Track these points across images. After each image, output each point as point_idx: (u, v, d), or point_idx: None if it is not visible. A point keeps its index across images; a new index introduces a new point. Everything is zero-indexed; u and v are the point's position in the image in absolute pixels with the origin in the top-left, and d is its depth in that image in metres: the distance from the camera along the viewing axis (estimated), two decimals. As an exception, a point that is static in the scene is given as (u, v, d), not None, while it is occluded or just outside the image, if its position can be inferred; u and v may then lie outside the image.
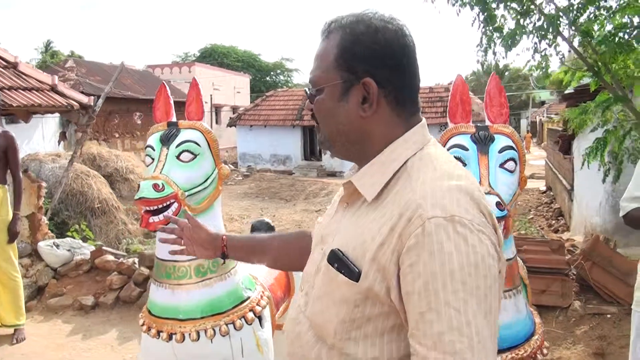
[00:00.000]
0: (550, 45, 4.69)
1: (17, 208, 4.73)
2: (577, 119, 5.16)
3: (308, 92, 1.23)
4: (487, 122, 2.23)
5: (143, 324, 2.35)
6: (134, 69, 25.47)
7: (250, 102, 30.78)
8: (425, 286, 1.00)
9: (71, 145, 15.17)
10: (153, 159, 2.28)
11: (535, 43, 4.73)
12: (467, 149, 2.09)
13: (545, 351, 2.15)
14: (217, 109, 27.69)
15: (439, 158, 1.16)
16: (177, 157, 2.25)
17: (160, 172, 2.18)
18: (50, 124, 14.12)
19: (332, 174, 23.12)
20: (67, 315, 5.38)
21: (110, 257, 5.82)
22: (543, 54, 4.76)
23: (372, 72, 1.15)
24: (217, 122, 27.29)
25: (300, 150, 24.86)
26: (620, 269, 4.46)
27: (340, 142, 1.21)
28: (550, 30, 4.55)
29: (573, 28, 4.61)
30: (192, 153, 2.28)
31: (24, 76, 6.23)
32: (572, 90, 6.89)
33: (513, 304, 2.09)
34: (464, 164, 2.05)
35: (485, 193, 1.91)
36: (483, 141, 2.10)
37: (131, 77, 22.04)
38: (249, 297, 2.42)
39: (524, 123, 46.64)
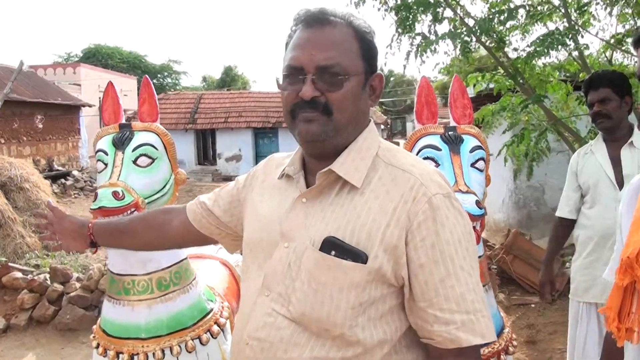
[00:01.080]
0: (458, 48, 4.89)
1: None
2: (487, 119, 5.40)
3: (322, 77, 1.18)
4: (452, 123, 2.25)
5: (98, 346, 2.15)
6: (14, 68, 23.75)
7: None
8: (442, 254, 1.12)
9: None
10: (107, 164, 2.09)
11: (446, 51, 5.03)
12: (439, 149, 2.10)
13: (514, 343, 2.20)
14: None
15: (399, 149, 1.30)
16: (134, 161, 2.08)
17: (118, 179, 2.01)
18: None
19: (228, 179, 22.79)
20: (-27, 340, 4.87)
21: (19, 274, 5.36)
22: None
23: (376, 67, 1.28)
24: (101, 126, 25.97)
25: (194, 155, 24.34)
26: (540, 260, 4.70)
27: (347, 130, 1.23)
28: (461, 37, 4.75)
29: (487, 36, 4.82)
30: (149, 157, 2.11)
31: None
32: (475, 95, 7.22)
33: (486, 300, 2.12)
34: (437, 164, 2.05)
35: (464, 192, 1.93)
36: (454, 141, 2.12)
37: (16, 79, 20.51)
38: (211, 310, 2.28)
39: (409, 126, 48.54)
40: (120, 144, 2.10)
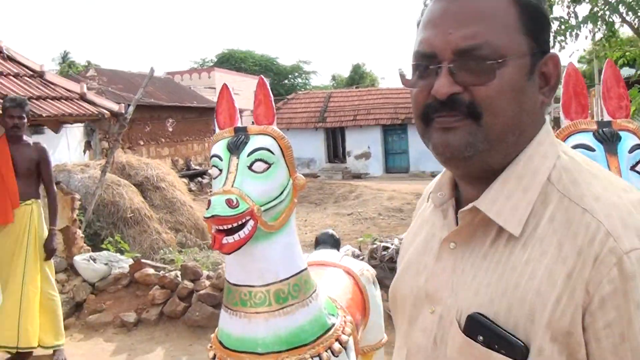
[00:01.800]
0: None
1: (53, 223, 4.53)
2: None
3: (459, 63, 0.83)
4: (606, 117, 1.92)
5: (214, 357, 2.08)
6: (155, 76, 25.43)
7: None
8: (634, 354, 0.75)
9: (96, 155, 15.10)
10: (221, 170, 2.00)
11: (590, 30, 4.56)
12: (593, 150, 1.77)
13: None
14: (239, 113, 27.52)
15: (588, 163, 0.88)
16: (249, 167, 1.97)
17: (232, 185, 1.90)
18: (75, 133, 14.05)
19: (358, 176, 22.84)
20: (109, 333, 5.14)
21: (151, 271, 5.57)
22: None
23: (548, 46, 0.88)
24: (239, 126, 27.07)
25: (325, 153, 24.62)
26: None
27: (507, 142, 0.85)
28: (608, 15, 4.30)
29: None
30: (265, 162, 1.99)
31: (51, 85, 6.03)
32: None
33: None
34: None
35: None
36: (610, 139, 1.78)
37: (152, 84, 21.93)
38: (333, 325, 2.13)
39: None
40: (235, 148, 2.00)
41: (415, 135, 22.93)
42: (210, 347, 2.15)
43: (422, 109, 0.87)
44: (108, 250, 6.55)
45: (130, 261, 5.90)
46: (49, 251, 4.48)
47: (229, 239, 1.84)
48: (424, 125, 0.89)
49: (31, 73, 6.07)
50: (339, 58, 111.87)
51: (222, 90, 2.19)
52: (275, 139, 2.06)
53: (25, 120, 4.40)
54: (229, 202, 1.82)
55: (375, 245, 5.57)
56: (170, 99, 20.48)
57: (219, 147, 2.04)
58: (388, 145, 24.22)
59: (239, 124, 2.14)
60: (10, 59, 6.06)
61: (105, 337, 5.07)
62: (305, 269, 2.11)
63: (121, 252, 6.60)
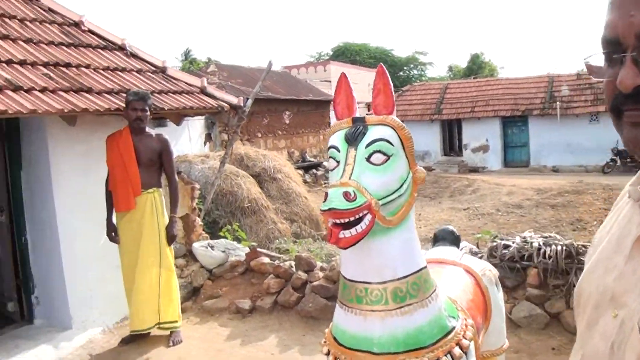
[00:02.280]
0: None
1: (174, 211, 4.73)
2: None
3: None
4: None
5: (328, 353, 2.02)
6: (272, 70, 26.08)
7: (375, 99, 30.46)
8: None
9: (216, 146, 15.74)
10: (338, 162, 1.93)
11: None
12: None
13: None
14: (353, 106, 27.61)
15: None
16: (368, 159, 1.88)
17: (350, 178, 1.82)
18: (196, 126, 14.68)
19: (475, 170, 22.15)
20: (224, 318, 5.30)
21: (266, 260, 5.68)
22: None
23: None
24: (353, 119, 27.16)
25: (440, 146, 24.10)
26: None
27: None
28: None
29: None
30: (384, 154, 1.89)
31: (173, 80, 6.28)
32: None
33: None
34: None
35: None
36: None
37: (270, 78, 22.51)
38: (453, 328, 2.00)
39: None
40: (352, 139, 1.92)
41: (536, 127, 22.00)
42: (324, 342, 2.09)
43: (612, 101, 0.79)
44: (225, 238, 6.76)
45: (247, 249, 6.04)
46: (169, 237, 4.69)
47: (346, 233, 1.77)
48: (616, 117, 0.81)
49: (154, 69, 6.35)
50: (456, 48, 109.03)
51: (340, 80, 2.11)
52: (394, 129, 1.96)
53: (148, 112, 4.61)
54: (346, 195, 1.74)
55: (495, 243, 5.30)
56: (287, 92, 20.93)
57: (337, 138, 1.97)
58: (507, 137, 23.29)
59: (357, 115, 2.05)
60: (134, 55, 6.37)
61: (221, 322, 5.24)
62: (425, 267, 1.99)
63: (238, 240, 6.79)
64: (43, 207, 5.01)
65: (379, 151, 1.88)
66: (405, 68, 44.20)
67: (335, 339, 2.01)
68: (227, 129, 16.56)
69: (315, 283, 5.19)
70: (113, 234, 4.75)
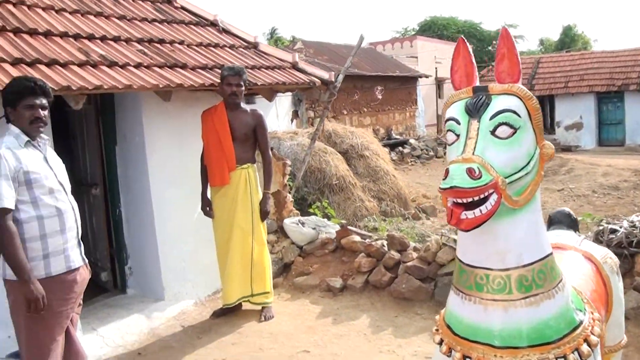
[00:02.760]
0: None
1: (267, 187, 4.69)
2: None
3: None
4: None
5: (441, 343, 1.88)
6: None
7: (475, 75, 29.45)
8: None
9: (303, 123, 15.74)
10: (458, 136, 1.75)
11: None
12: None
13: None
14: (439, 82, 26.87)
15: None
16: (492, 132, 1.69)
17: (473, 153, 1.65)
18: (284, 103, 14.72)
19: (567, 149, 21.08)
20: (315, 295, 5.25)
21: (357, 238, 5.57)
22: None
23: None
24: (439, 97, 26.49)
25: (532, 123, 23.09)
26: None
27: None
28: None
29: None
30: (511, 126, 1.70)
31: (265, 55, 6.23)
32: None
33: None
34: None
35: None
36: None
37: (356, 55, 22.29)
38: (581, 322, 1.80)
39: None
40: (474, 111, 1.74)
41: (632, 103, 20.64)
42: (437, 330, 1.94)
43: None
44: (315, 215, 6.71)
45: (337, 227, 5.95)
46: (262, 213, 4.66)
47: (469, 214, 1.60)
48: None
49: (245, 44, 6.33)
50: (548, 20, 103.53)
51: (458, 45, 1.92)
52: (521, 99, 1.76)
53: (243, 88, 4.56)
54: (470, 172, 1.57)
55: (601, 227, 4.93)
56: (373, 69, 20.61)
57: (456, 110, 1.79)
58: (602, 114, 22.00)
59: (477, 83, 1.87)
60: (226, 31, 6.37)
61: (312, 299, 5.19)
62: (551, 253, 1.80)
63: (327, 217, 6.72)
64: (137, 181, 5.12)
65: (505, 123, 1.70)
66: (493, 42, 42.44)
67: (449, 327, 1.86)
68: (314, 106, 16.54)
69: (409, 263, 5.02)
70: (207, 208, 4.77)
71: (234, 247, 4.63)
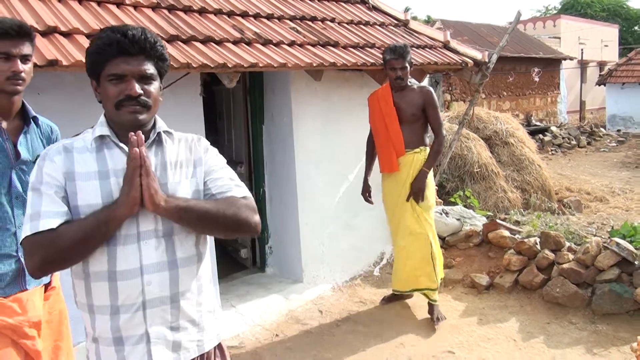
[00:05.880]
0: None
1: (428, 165, 4.26)
2: None
3: None
4: None
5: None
6: (497, 26, 24.51)
7: (619, 57, 27.22)
8: None
9: (440, 107, 15.22)
10: None
11: None
12: None
13: None
14: (582, 65, 24.88)
15: None
16: None
17: None
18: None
19: None
20: (458, 291, 4.97)
21: (506, 233, 5.18)
22: None
23: None
24: (582, 81, 24.57)
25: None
26: None
27: None
28: None
29: None
30: None
31: (415, 34, 5.96)
32: None
33: None
34: None
35: None
36: None
37: (498, 35, 21.16)
38: None
39: None
40: None
41: None
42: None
43: None
44: (457, 204, 6.37)
45: (483, 219, 5.61)
46: (415, 189, 4.27)
47: None
48: None
49: (395, 22, 6.07)
50: None
51: None
52: None
53: (408, 69, 4.25)
54: None
55: None
56: (514, 50, 19.47)
57: None
58: None
59: None
60: (375, 8, 6.15)
61: (454, 294, 4.91)
62: None
63: (468, 207, 6.36)
64: (283, 161, 5.08)
65: None
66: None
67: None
68: (450, 89, 15.94)
69: (564, 265, 4.58)
70: (367, 194, 4.60)
71: (401, 235, 4.40)
